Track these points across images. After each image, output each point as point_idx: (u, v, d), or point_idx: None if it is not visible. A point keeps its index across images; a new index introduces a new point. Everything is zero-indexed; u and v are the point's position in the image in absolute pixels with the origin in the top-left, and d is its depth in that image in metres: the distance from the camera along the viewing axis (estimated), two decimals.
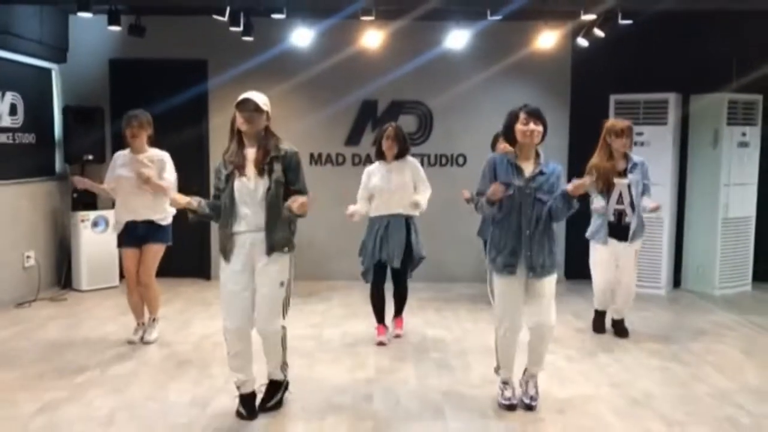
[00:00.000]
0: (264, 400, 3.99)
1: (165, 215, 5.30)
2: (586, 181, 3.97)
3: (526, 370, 4.21)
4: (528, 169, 4.01)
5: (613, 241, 5.53)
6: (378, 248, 5.30)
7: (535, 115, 3.96)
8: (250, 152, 3.81)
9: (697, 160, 7.37)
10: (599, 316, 5.80)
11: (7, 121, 6.52)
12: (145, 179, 5.05)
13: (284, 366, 4.04)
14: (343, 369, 4.79)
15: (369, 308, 5.66)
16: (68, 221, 7.27)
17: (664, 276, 7.24)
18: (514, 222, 3.99)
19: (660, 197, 7.02)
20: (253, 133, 3.80)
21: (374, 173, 5.42)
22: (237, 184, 3.79)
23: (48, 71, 7.27)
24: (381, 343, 5.36)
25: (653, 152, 7.04)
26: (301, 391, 4.27)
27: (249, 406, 3.90)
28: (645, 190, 5.53)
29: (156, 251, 5.30)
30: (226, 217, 3.83)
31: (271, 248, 3.79)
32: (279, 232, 3.80)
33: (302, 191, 3.83)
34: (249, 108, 3.75)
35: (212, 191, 4.01)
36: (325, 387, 4.41)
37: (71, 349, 5.14)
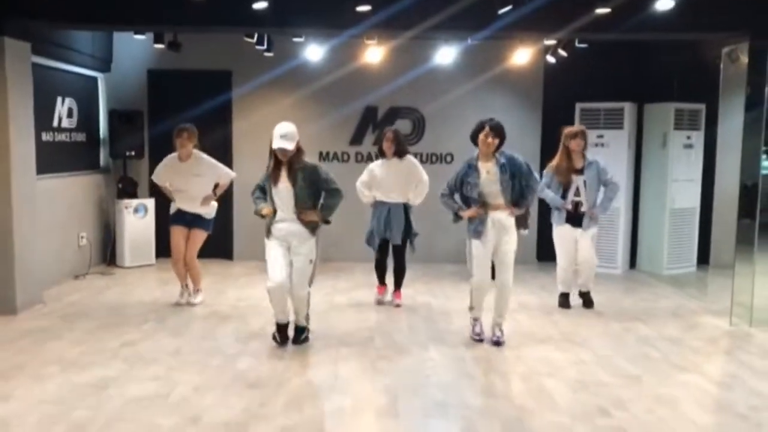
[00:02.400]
0: (295, 339, 5.34)
1: (210, 211, 6.56)
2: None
3: (494, 319, 5.51)
4: (486, 167, 5.35)
5: (570, 227, 6.69)
6: (383, 229, 6.57)
7: (495, 131, 5.31)
8: (284, 170, 5.18)
9: (649, 159, 8.65)
10: (564, 297, 6.85)
11: (66, 123, 7.74)
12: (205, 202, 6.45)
13: (307, 317, 5.38)
14: (350, 321, 6.05)
15: (371, 282, 6.96)
16: (113, 208, 8.50)
17: (620, 258, 8.52)
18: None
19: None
20: (286, 158, 5.15)
21: (377, 168, 6.67)
22: (274, 190, 5.20)
23: (95, 79, 8.49)
24: (380, 302, 6.68)
25: (612, 152, 8.33)
26: (320, 334, 5.56)
27: (282, 333, 5.30)
28: (606, 183, 6.64)
29: (200, 236, 6.53)
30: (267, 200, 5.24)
31: (306, 227, 5.19)
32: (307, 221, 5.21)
33: (332, 190, 5.27)
34: (282, 153, 5.12)
35: (255, 189, 5.39)
36: (338, 332, 5.68)
37: (131, 307, 6.40)
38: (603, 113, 8.49)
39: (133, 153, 8.50)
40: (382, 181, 6.60)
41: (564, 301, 6.84)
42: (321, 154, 8.94)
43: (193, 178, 6.39)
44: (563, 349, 5.35)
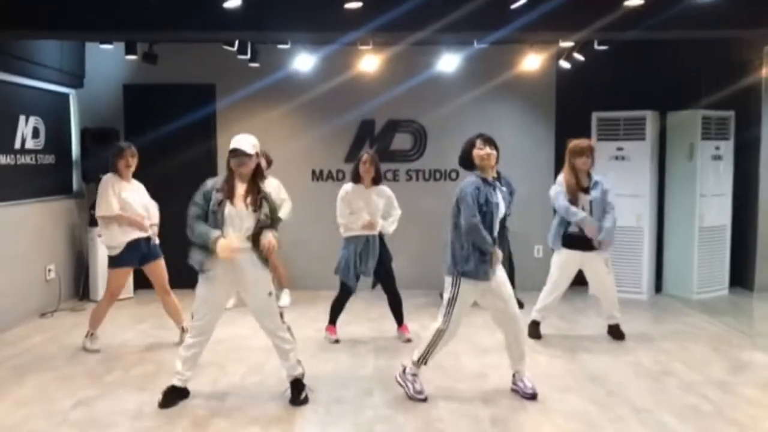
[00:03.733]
0: (294, 399, 4.49)
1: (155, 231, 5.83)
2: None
3: (517, 369, 4.70)
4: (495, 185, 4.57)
5: (577, 252, 5.90)
6: (358, 263, 5.89)
7: (490, 141, 4.53)
8: (240, 186, 4.36)
9: (674, 173, 7.86)
10: (535, 324, 6.03)
11: (30, 144, 7.00)
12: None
13: (296, 358, 4.54)
14: (344, 367, 5.25)
15: (369, 315, 6.20)
16: (85, 236, 7.75)
17: (645, 282, 7.72)
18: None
19: (640, 208, 7.61)
20: (244, 173, 4.35)
21: (354, 196, 5.94)
22: (228, 210, 4.31)
23: (66, 96, 7.77)
24: (337, 341, 5.97)
25: (633, 166, 7.56)
26: (308, 386, 4.74)
27: (172, 398, 4.44)
28: (606, 210, 5.86)
29: (162, 265, 5.78)
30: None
31: (263, 261, 4.39)
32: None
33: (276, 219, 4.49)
34: (238, 155, 4.30)
35: (194, 209, 4.39)
36: (329, 383, 4.88)
37: (96, 354, 5.61)
38: (623, 123, 7.72)
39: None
40: (357, 210, 5.91)
41: (534, 330, 6.02)
42: (314, 172, 8.20)
43: (135, 199, 5.68)
44: (595, 399, 4.55)
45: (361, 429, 4.08)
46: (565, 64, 7.45)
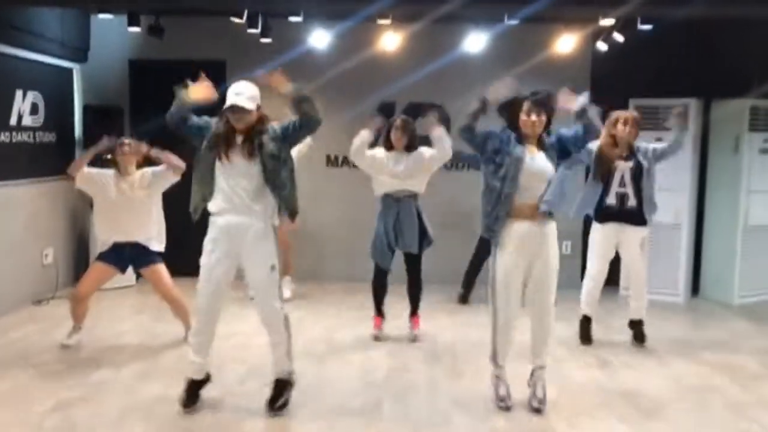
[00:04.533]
0: (272, 400, 4.02)
1: (152, 237, 5.22)
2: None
3: (533, 372, 4.21)
4: (530, 151, 4.02)
5: (615, 225, 5.39)
6: (394, 239, 5.31)
7: (540, 105, 3.97)
8: (239, 138, 3.81)
9: (717, 167, 7.25)
10: (586, 322, 5.58)
11: (28, 121, 6.58)
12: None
13: (290, 354, 4.04)
14: (353, 374, 4.78)
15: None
16: (87, 219, 7.34)
17: (681, 284, 7.15)
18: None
19: (678, 203, 7.03)
20: (243, 128, 3.81)
21: (382, 155, 5.38)
22: (221, 167, 3.78)
23: (69, 71, 7.34)
24: (377, 338, 5.47)
25: (673, 158, 6.83)
26: (311, 395, 4.30)
27: (193, 393, 4.01)
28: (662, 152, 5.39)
29: (160, 271, 5.21)
30: (202, 189, 3.85)
31: (293, 215, 3.91)
32: (292, 200, 3.90)
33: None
34: (236, 111, 3.77)
35: (195, 119, 3.94)
36: (335, 392, 4.41)
37: (88, 346, 5.21)
38: (662, 111, 7.10)
39: (110, 156, 7.30)
40: (389, 171, 5.33)
41: (585, 329, 5.53)
42: (329, 158, 7.72)
43: (130, 198, 5.16)
44: (631, 421, 4.04)
45: None
46: (602, 46, 6.86)
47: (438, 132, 5.23)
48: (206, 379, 4.11)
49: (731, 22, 6.58)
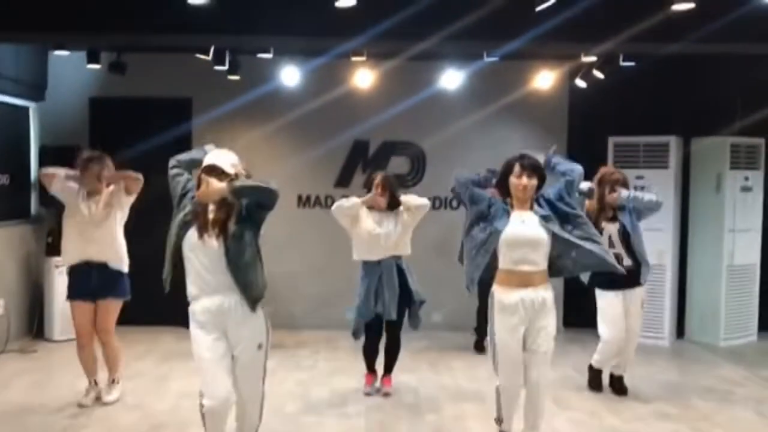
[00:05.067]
0: None
1: (121, 257, 4.92)
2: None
3: None
4: (522, 216, 3.85)
5: (619, 291, 5.21)
6: (373, 302, 5.03)
7: (530, 169, 3.83)
8: (211, 214, 3.47)
9: (699, 205, 7.11)
10: (596, 374, 5.43)
11: None
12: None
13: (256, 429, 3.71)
14: None
15: (357, 362, 5.39)
16: (42, 267, 6.90)
17: (667, 326, 6.94)
18: None
19: (662, 243, 6.83)
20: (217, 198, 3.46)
21: (364, 216, 5.13)
22: (191, 245, 3.44)
23: (25, 109, 6.97)
24: (368, 394, 5.18)
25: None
26: None
27: None
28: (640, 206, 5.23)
29: (114, 308, 4.91)
30: (172, 262, 3.54)
31: (254, 303, 3.50)
32: (254, 287, 3.51)
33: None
34: (215, 173, 3.44)
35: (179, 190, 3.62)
36: None
37: (35, 411, 4.74)
38: (643, 149, 6.96)
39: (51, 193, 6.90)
40: (370, 237, 5.05)
41: (595, 379, 5.39)
42: (300, 198, 7.43)
43: (96, 216, 4.84)
44: None
45: None
46: (580, 83, 6.72)
47: (405, 198, 5.18)
48: None
49: (711, 60, 6.49)
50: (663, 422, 4.74)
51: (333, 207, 5.20)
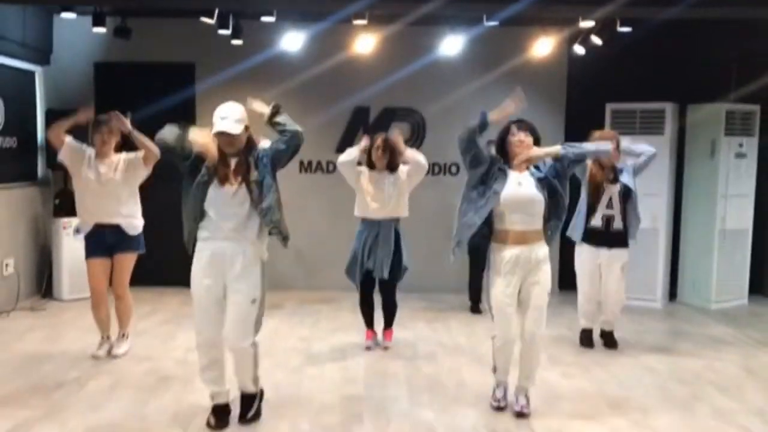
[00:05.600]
0: (242, 414, 3.88)
1: (134, 221, 5.07)
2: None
3: (518, 383, 4.18)
4: (518, 177, 4.02)
5: (599, 248, 5.46)
6: (366, 256, 5.18)
7: (525, 128, 4.05)
8: (232, 161, 3.71)
9: (693, 171, 7.24)
10: (586, 334, 5.66)
11: None
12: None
13: (256, 380, 3.90)
14: (331, 385, 4.60)
15: (358, 320, 5.57)
16: (50, 228, 7.05)
17: (659, 289, 7.10)
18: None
19: (656, 208, 6.98)
20: (234, 150, 3.70)
21: (365, 174, 5.27)
22: (214, 192, 3.67)
23: (31, 74, 7.07)
24: (368, 348, 5.36)
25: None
26: (288, 406, 4.12)
27: (220, 418, 3.83)
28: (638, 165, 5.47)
29: (127, 261, 5.09)
30: (192, 222, 3.74)
31: (285, 240, 3.81)
32: (283, 225, 3.79)
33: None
34: (225, 137, 3.64)
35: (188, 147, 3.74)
36: (313, 404, 4.23)
37: (49, 362, 4.93)
38: (639, 116, 7.07)
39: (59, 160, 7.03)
40: (369, 195, 5.21)
41: (586, 338, 5.61)
42: (301, 164, 7.54)
43: (108, 179, 4.97)
44: (617, 428, 3.92)
45: None
46: (579, 50, 6.80)
47: (408, 153, 5.27)
48: (228, 404, 3.91)
49: (707, 28, 6.57)
50: (651, 376, 4.92)
51: (338, 161, 5.36)
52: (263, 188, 3.69)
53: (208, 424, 3.81)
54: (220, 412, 3.83)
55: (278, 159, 3.78)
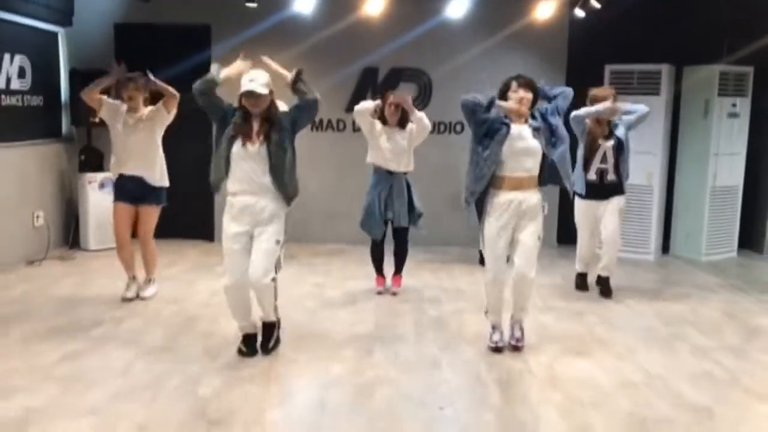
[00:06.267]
0: (264, 343, 4.38)
1: (155, 174, 5.45)
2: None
3: (512, 315, 4.59)
4: (518, 129, 4.37)
5: (597, 201, 5.82)
6: (384, 208, 5.59)
7: (525, 84, 4.38)
8: (255, 123, 4.16)
9: (688, 130, 7.57)
10: (582, 278, 6.09)
11: (16, 84, 6.64)
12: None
13: (276, 309, 4.40)
14: (344, 325, 5.04)
15: (368, 270, 5.98)
16: (75, 183, 7.46)
17: (653, 242, 7.50)
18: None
19: (651, 166, 7.33)
20: (259, 112, 4.15)
21: (380, 132, 5.63)
22: (238, 151, 4.11)
23: (54, 35, 7.37)
24: (379, 293, 5.79)
25: (646, 122, 7.10)
26: (306, 344, 4.56)
27: (250, 345, 4.35)
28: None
29: (152, 213, 5.52)
30: (220, 172, 4.19)
31: (289, 200, 4.25)
32: (291, 187, 4.25)
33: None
34: (252, 96, 4.08)
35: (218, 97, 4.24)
36: (328, 341, 4.68)
37: (85, 304, 5.38)
38: (637, 76, 7.37)
39: (98, 119, 7.37)
40: (385, 148, 5.62)
41: (581, 282, 6.08)
42: (313, 122, 7.84)
43: (140, 132, 5.38)
44: (605, 364, 4.35)
45: (362, 391, 3.88)
46: (579, 13, 7.08)
47: (418, 114, 5.61)
48: (256, 333, 4.41)
49: None
50: (638, 319, 5.35)
51: (355, 111, 5.71)
52: (280, 149, 4.14)
53: (240, 351, 4.33)
54: (250, 340, 4.35)
55: (297, 124, 4.24)
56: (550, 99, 4.53)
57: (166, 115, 5.41)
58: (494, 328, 4.60)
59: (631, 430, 3.47)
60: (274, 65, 4.43)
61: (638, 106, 5.85)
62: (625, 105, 5.79)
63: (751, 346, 4.76)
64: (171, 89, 5.33)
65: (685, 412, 3.67)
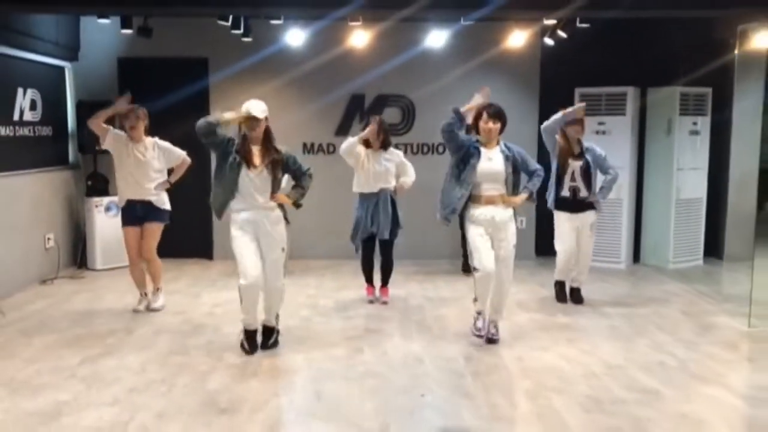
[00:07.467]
0: (264, 341, 4.99)
1: (163, 199, 6.02)
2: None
3: (489, 315, 5.18)
4: (489, 153, 5.00)
5: (571, 214, 6.29)
6: (369, 222, 6.12)
7: (495, 116, 5.00)
8: (255, 149, 4.80)
9: (653, 147, 8.15)
10: (560, 286, 6.54)
11: (28, 116, 7.16)
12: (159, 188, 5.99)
13: (277, 317, 5.05)
14: (336, 329, 5.54)
15: (359, 282, 6.49)
16: (83, 206, 7.95)
17: (624, 252, 8.04)
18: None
19: (619, 180, 7.82)
20: (256, 136, 4.77)
21: (362, 152, 6.17)
22: (244, 173, 4.74)
23: (62, 69, 7.91)
24: (370, 301, 6.31)
25: (614, 140, 7.83)
26: (302, 345, 5.06)
27: (252, 339, 4.93)
28: (606, 171, 6.30)
29: (156, 230, 6.02)
30: (227, 194, 4.80)
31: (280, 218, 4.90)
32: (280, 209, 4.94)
33: (307, 173, 5.04)
34: (250, 120, 4.72)
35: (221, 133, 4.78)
36: (322, 342, 5.17)
37: (98, 317, 5.86)
38: (604, 98, 7.99)
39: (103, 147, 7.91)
40: (371, 173, 6.15)
41: (560, 291, 6.50)
42: (305, 145, 8.42)
43: (143, 160, 5.90)
44: (570, 357, 4.87)
45: (353, 383, 4.37)
46: (548, 41, 7.68)
47: (406, 168, 6.35)
48: (257, 331, 4.98)
49: (663, 20, 7.44)
50: (605, 319, 5.87)
51: (340, 150, 6.26)
52: (279, 172, 4.87)
53: (242, 347, 4.89)
54: (252, 337, 4.92)
55: (291, 172, 5.05)
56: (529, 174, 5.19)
57: (181, 166, 6.08)
58: (479, 314, 5.18)
59: (588, 410, 3.97)
60: (282, 197, 4.98)
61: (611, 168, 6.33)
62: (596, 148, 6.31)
63: (702, 340, 5.28)
64: (186, 161, 6.06)
65: (636, 394, 4.18)
